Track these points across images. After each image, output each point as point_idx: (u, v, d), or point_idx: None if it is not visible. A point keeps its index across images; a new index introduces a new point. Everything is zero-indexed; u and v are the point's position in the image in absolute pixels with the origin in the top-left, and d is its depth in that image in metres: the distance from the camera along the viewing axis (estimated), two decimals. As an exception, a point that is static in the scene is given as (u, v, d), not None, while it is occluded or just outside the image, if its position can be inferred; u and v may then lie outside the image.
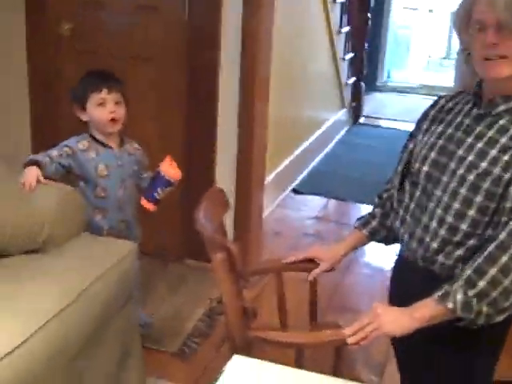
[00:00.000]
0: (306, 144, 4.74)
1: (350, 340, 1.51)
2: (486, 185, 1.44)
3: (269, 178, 3.79)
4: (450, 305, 1.41)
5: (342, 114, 5.78)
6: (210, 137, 3.05)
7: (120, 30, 3.08)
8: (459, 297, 1.41)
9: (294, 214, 4.09)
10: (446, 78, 7.17)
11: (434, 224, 1.53)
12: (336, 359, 1.69)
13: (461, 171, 1.48)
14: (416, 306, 1.47)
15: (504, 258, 1.38)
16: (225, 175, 3.09)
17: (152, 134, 3.02)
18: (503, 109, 1.47)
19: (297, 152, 4.54)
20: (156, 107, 3.10)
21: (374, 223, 1.80)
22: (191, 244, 3.11)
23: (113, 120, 2.33)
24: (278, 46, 3.34)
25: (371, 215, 1.82)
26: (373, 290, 3.20)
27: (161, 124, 3.12)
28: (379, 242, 1.84)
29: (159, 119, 3.11)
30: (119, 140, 2.41)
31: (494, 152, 1.44)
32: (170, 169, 2.27)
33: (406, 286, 1.68)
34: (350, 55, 5.78)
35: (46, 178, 2.19)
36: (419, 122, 1.68)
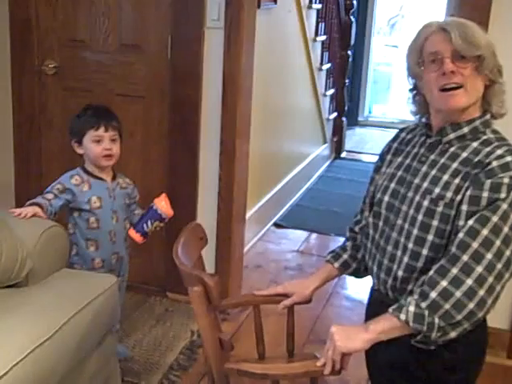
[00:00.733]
0: (287, 178, 4.80)
1: (325, 371, 1.55)
2: (439, 209, 1.51)
3: (250, 212, 3.84)
4: (403, 316, 1.44)
5: (323, 149, 5.87)
6: (191, 172, 3.11)
7: (104, 68, 3.15)
8: (411, 308, 1.44)
9: (276, 247, 4.13)
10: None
11: (398, 252, 1.59)
12: (312, 391, 1.73)
13: (417, 198, 1.56)
14: (371, 320, 1.52)
15: (454, 271, 1.42)
16: (206, 210, 3.13)
17: (135, 170, 3.07)
18: (453, 137, 1.55)
19: (279, 186, 4.60)
20: (140, 143, 3.15)
21: (345, 256, 1.84)
22: (173, 277, 3.12)
23: (107, 156, 2.40)
24: (260, 83, 3.43)
25: (342, 249, 1.86)
26: (352, 322, 3.22)
27: (143, 160, 3.17)
28: (351, 275, 1.87)
29: (142, 155, 3.17)
30: (112, 173, 2.49)
31: (446, 177, 1.52)
32: (164, 204, 2.35)
33: None
34: (331, 91, 5.89)
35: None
36: (383, 155, 1.76)
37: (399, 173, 1.65)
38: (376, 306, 1.72)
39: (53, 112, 3.28)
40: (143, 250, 2.92)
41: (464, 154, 1.52)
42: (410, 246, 1.56)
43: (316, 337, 3.03)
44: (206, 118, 3.06)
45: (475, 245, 1.42)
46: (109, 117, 2.44)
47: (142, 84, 3.12)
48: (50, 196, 2.34)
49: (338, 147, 6.30)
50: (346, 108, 6.32)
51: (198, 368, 2.69)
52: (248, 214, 3.58)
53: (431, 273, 1.47)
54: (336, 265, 1.85)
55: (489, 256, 1.41)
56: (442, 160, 1.56)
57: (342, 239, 4.13)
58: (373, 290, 1.76)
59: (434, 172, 1.56)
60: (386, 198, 1.65)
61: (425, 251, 1.53)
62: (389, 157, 1.73)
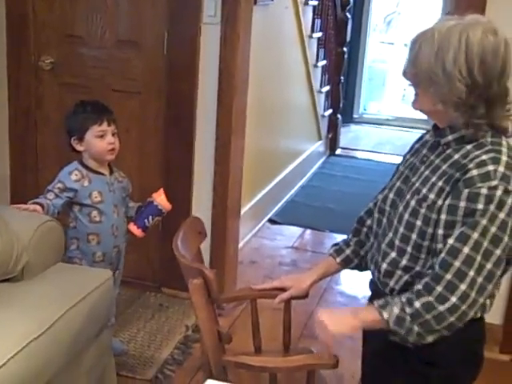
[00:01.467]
0: (282, 175, 4.81)
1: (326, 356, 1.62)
2: (423, 210, 1.52)
3: (245, 208, 3.85)
4: (386, 315, 1.48)
5: (318, 146, 5.88)
6: (186, 168, 3.12)
7: (100, 64, 3.15)
8: (396, 310, 1.48)
9: (270, 243, 4.15)
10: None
11: (388, 248, 1.61)
12: (308, 383, 1.74)
13: (408, 197, 1.58)
14: (360, 307, 1.59)
15: (439, 289, 1.45)
16: (201, 205, 3.15)
17: (131, 165, 3.08)
18: (450, 139, 1.55)
19: (274, 182, 4.61)
20: (136, 139, 3.16)
21: (348, 252, 1.85)
22: (168, 273, 3.15)
23: (111, 150, 2.43)
24: (255, 79, 3.43)
25: (346, 243, 1.86)
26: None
27: (139, 155, 3.18)
28: (352, 269, 1.89)
29: (138, 150, 3.18)
30: (109, 168, 2.51)
31: (434, 179, 1.54)
32: (163, 199, 2.41)
33: None
34: (327, 88, 5.90)
35: None
36: (405, 155, 1.76)
37: (406, 172, 1.66)
38: (372, 296, 1.74)
39: (49, 107, 3.28)
40: (138, 246, 2.93)
41: (456, 156, 1.52)
42: (397, 242, 1.58)
43: (310, 332, 3.03)
44: (202, 114, 3.06)
45: (457, 264, 1.44)
46: (108, 111, 2.47)
47: (138, 80, 3.12)
48: (51, 196, 2.35)
49: (332, 144, 6.31)
50: (341, 105, 6.32)
51: (192, 362, 2.71)
52: (243, 210, 3.59)
53: (419, 287, 1.49)
54: (338, 259, 1.86)
55: (471, 273, 1.43)
56: (437, 161, 1.56)
57: (336, 235, 4.22)
58: (371, 283, 1.77)
59: (427, 172, 1.57)
60: (391, 195, 1.67)
61: (409, 249, 1.56)
62: (408, 156, 1.73)
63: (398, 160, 1.80)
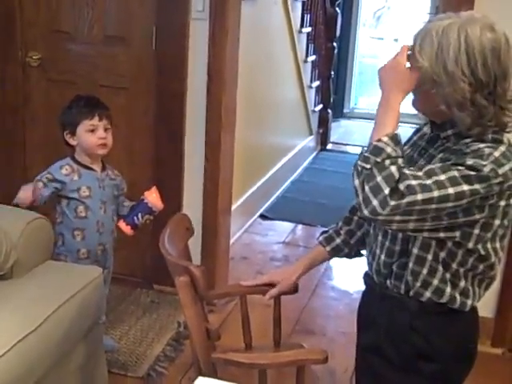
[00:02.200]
0: (273, 170, 4.81)
1: None
2: None
3: (236, 204, 3.84)
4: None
5: (309, 141, 5.87)
6: (176, 164, 3.10)
7: (88, 60, 3.13)
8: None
9: (262, 239, 4.14)
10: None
11: (384, 239, 1.60)
12: (298, 379, 1.74)
13: None
14: None
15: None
16: (192, 202, 3.13)
17: (120, 161, 3.05)
18: (451, 133, 1.54)
19: (264, 178, 4.60)
20: (124, 135, 3.14)
21: (338, 240, 1.83)
22: (159, 269, 3.11)
23: (102, 144, 2.43)
24: (245, 74, 3.42)
25: (336, 232, 1.85)
26: (338, 312, 3.25)
27: (128, 151, 3.16)
28: (341, 257, 1.87)
29: (127, 147, 3.16)
30: (101, 164, 2.51)
31: None
32: (154, 197, 2.40)
33: (367, 303, 1.74)
34: (317, 83, 5.89)
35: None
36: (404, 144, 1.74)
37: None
38: (367, 293, 1.74)
39: (37, 103, 3.25)
40: (129, 242, 2.91)
41: (453, 148, 1.51)
42: (389, 231, 1.57)
43: (302, 327, 3.04)
44: (191, 110, 3.05)
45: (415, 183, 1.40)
46: (101, 106, 2.47)
47: (126, 75, 3.10)
48: (39, 184, 2.34)
49: (323, 139, 6.31)
50: (331, 100, 6.33)
51: (184, 359, 2.70)
52: (234, 206, 3.58)
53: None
54: (328, 248, 1.85)
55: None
56: (436, 154, 1.55)
57: (327, 231, 4.18)
58: (365, 273, 1.76)
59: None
60: None
61: (400, 234, 1.55)
62: (405, 148, 1.71)
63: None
